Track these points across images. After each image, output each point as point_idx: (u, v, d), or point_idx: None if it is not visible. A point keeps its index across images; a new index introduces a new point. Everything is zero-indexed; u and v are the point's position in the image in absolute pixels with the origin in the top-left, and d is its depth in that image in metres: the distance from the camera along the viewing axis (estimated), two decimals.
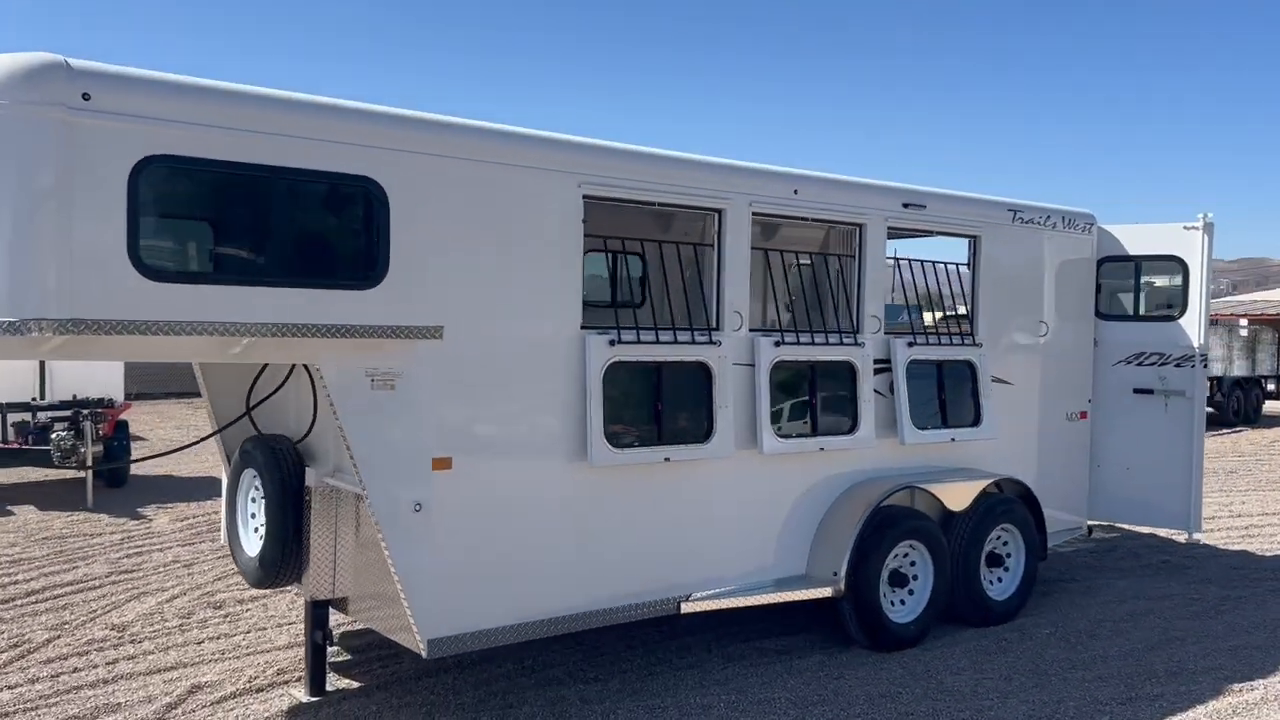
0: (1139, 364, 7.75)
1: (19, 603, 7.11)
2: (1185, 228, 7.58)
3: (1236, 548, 9.12)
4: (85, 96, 3.76)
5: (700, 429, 5.50)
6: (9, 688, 5.49)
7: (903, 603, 6.28)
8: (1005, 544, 6.86)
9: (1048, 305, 7.39)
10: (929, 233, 6.85)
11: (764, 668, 5.87)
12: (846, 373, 6.14)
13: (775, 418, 5.80)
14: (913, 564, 6.32)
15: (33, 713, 5.16)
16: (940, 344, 6.62)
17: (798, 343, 5.88)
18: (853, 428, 6.14)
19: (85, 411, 11.28)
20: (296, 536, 5.15)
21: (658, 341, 5.31)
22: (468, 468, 4.77)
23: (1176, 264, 7.63)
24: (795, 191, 5.91)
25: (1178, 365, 7.63)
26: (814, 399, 6.02)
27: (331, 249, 4.48)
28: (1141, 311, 7.87)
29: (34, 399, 11.58)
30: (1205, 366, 7.59)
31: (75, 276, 3.77)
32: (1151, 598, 7.38)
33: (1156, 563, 8.49)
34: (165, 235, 4.04)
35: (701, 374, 5.50)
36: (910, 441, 6.39)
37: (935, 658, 6.05)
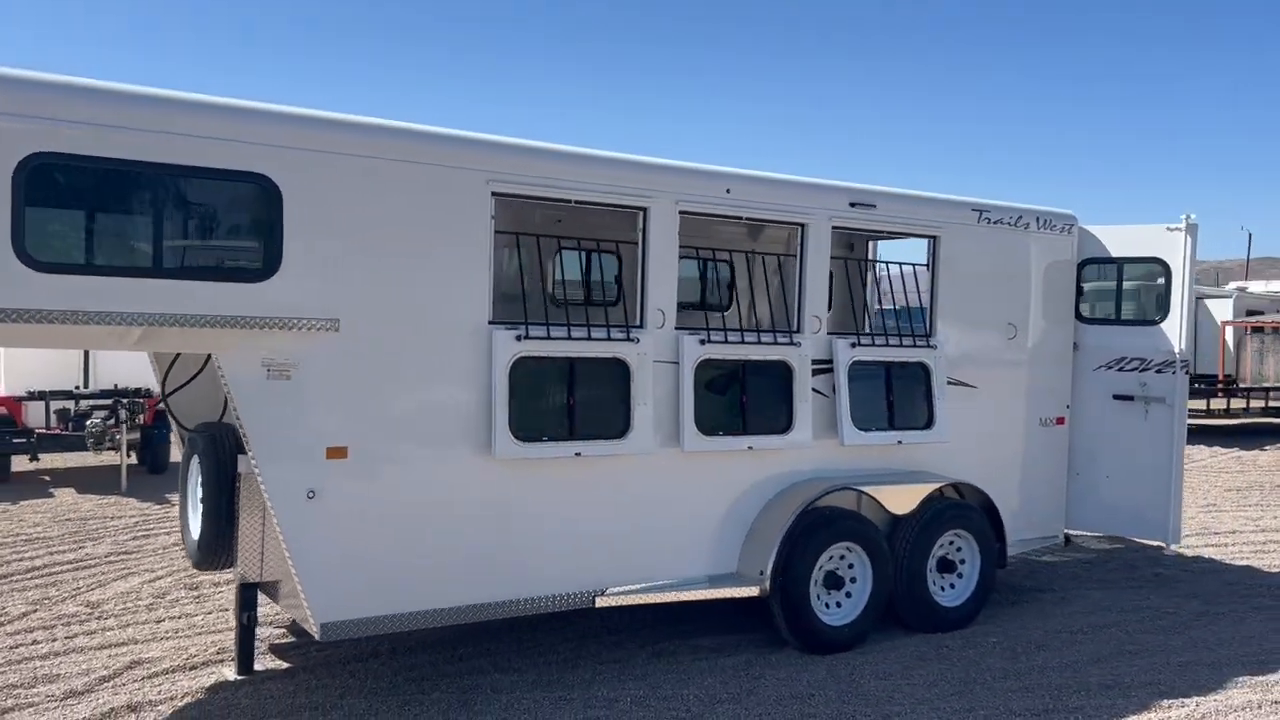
0: (1120, 369, 7.50)
1: (15, 578, 7.54)
2: (1168, 229, 7.31)
3: (1243, 563, 8.74)
4: None
5: (617, 425, 5.55)
6: None
7: (839, 605, 6.22)
8: (959, 550, 6.73)
9: (1017, 307, 7.22)
10: (880, 233, 6.76)
11: (687, 665, 5.88)
12: (782, 372, 6.11)
13: (702, 415, 5.81)
14: (851, 566, 6.25)
15: None
16: (889, 344, 6.53)
17: (725, 341, 5.88)
18: (787, 428, 6.11)
19: (124, 400, 11.85)
20: (231, 521, 5.36)
21: (569, 338, 5.37)
22: (364, 457, 4.91)
23: (1159, 266, 7.37)
24: (728, 190, 5.91)
25: (1159, 371, 7.36)
26: (744, 398, 6.00)
27: (225, 242, 4.67)
28: (1122, 315, 7.62)
29: (77, 387, 12.20)
30: (1187, 373, 7.30)
31: None
32: (1123, 610, 7.14)
33: (1148, 575, 8.21)
34: (54, 229, 4.26)
35: (619, 370, 5.54)
36: (850, 443, 6.32)
37: (867, 662, 5.98)
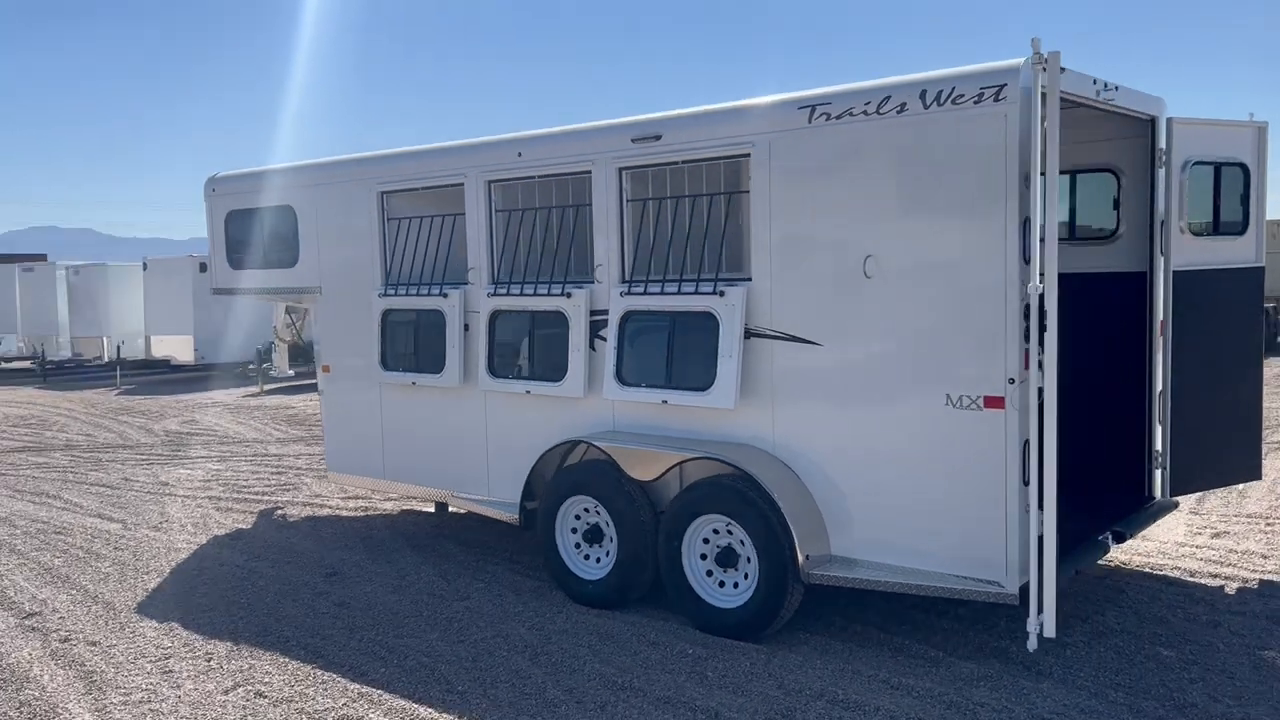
0: None
1: None
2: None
3: None
4: None
5: (439, 363, 6.93)
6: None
7: (598, 561, 6.02)
8: (743, 543, 5.36)
9: (879, 233, 4.92)
10: (678, 163, 5.66)
11: (461, 590, 6.69)
12: (560, 322, 6.22)
13: (495, 360, 6.58)
14: (608, 524, 5.95)
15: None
16: (665, 293, 5.67)
17: (508, 294, 6.45)
18: (561, 376, 6.21)
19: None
20: None
21: (405, 294, 7.07)
22: (337, 371, 7.83)
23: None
24: (519, 154, 6.43)
25: None
26: (529, 346, 6.41)
27: (280, 246, 8.20)
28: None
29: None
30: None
31: None
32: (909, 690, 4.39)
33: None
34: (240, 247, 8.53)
35: (439, 319, 6.90)
36: (610, 397, 5.91)
37: (613, 629, 5.64)
